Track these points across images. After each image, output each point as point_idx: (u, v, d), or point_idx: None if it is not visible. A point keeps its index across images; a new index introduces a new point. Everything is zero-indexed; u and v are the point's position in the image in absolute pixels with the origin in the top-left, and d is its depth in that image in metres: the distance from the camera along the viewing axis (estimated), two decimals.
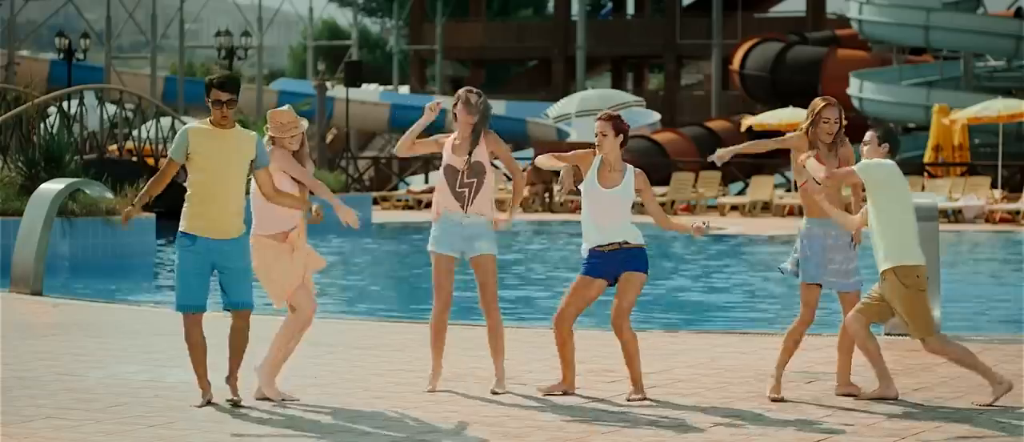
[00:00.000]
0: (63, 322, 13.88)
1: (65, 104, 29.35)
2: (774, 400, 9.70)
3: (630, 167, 9.88)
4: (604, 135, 9.83)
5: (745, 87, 56.96)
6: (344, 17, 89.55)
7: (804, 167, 9.82)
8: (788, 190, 38.57)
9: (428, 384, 10.03)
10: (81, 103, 30.78)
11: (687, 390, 10.12)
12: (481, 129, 10.05)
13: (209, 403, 9.28)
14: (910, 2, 49.94)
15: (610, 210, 9.79)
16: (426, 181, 46.20)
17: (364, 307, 17.91)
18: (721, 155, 10.08)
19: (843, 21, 61.16)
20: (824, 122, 9.86)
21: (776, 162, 44.46)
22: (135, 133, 33.68)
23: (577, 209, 10.11)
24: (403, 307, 18.33)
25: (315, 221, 9.55)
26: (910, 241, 9.67)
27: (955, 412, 9.37)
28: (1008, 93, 45.57)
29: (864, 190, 9.84)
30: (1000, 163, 38.20)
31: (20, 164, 23.47)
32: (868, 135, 9.91)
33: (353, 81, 47.57)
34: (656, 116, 55.73)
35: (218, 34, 52.00)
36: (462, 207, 9.97)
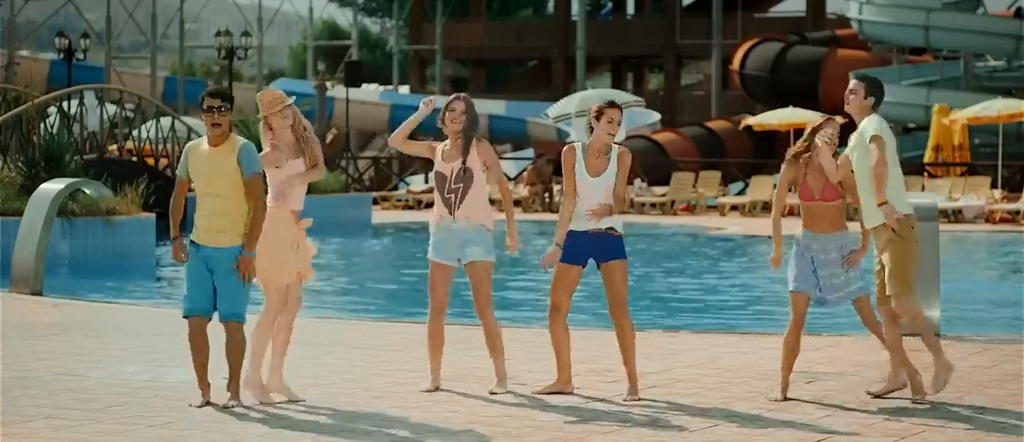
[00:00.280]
0: (63, 322, 13.88)
1: (65, 104, 29.34)
2: (774, 401, 9.70)
3: (614, 148, 9.89)
4: (619, 124, 9.88)
5: (745, 87, 56.96)
6: (344, 17, 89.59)
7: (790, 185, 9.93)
8: (788, 190, 38.51)
9: (428, 385, 10.03)
10: (81, 103, 30.77)
11: (687, 390, 10.12)
12: (471, 135, 10.05)
13: (207, 404, 9.29)
14: (910, 2, 49.93)
15: (600, 198, 9.80)
16: (426, 181, 46.16)
17: (364, 307, 17.90)
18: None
19: (843, 21, 61.15)
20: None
21: (776, 162, 44.48)
22: (135, 133, 33.66)
23: None
24: (403, 307, 18.33)
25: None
26: (902, 192, 9.89)
27: (955, 412, 9.37)
28: (1008, 93, 45.55)
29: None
30: (1000, 163, 38.19)
31: (20, 164, 23.46)
32: (854, 84, 9.89)
33: (353, 81, 47.57)
34: (656, 116, 55.70)
35: (218, 34, 51.99)
36: (450, 212, 9.99)
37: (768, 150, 49.47)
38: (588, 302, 15.23)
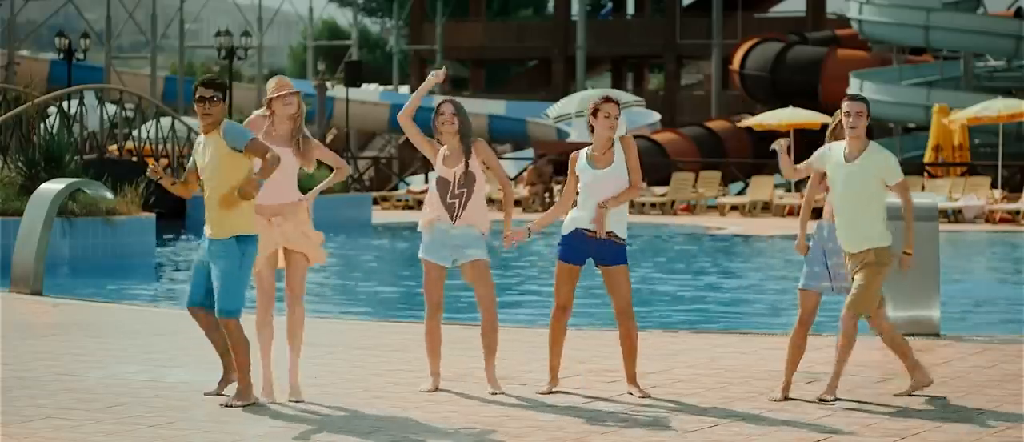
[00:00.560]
0: (63, 322, 13.88)
1: (65, 104, 29.35)
2: (774, 400, 9.70)
3: (617, 138, 9.90)
4: (617, 118, 9.87)
5: (745, 87, 56.96)
6: (344, 17, 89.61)
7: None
8: (788, 190, 38.57)
9: (428, 386, 10.03)
10: (81, 103, 30.77)
11: (687, 390, 10.12)
12: (469, 138, 10.03)
13: (228, 383, 9.49)
14: (910, 2, 49.94)
15: (606, 190, 9.80)
16: (426, 181, 46.19)
17: (364, 307, 17.91)
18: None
19: (843, 21, 61.16)
20: (845, 115, 9.92)
21: (776, 162, 44.46)
22: (135, 133, 33.67)
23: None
24: (403, 307, 18.33)
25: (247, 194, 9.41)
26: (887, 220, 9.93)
27: (955, 412, 9.37)
28: (1008, 93, 45.56)
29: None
30: (1000, 163, 38.19)
31: (20, 164, 23.46)
32: (861, 106, 9.88)
33: (353, 81, 47.60)
34: (656, 116, 55.79)
35: (218, 34, 52.01)
36: (451, 217, 9.98)
37: (768, 150, 49.42)
38: (588, 302, 15.22)
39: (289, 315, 9.78)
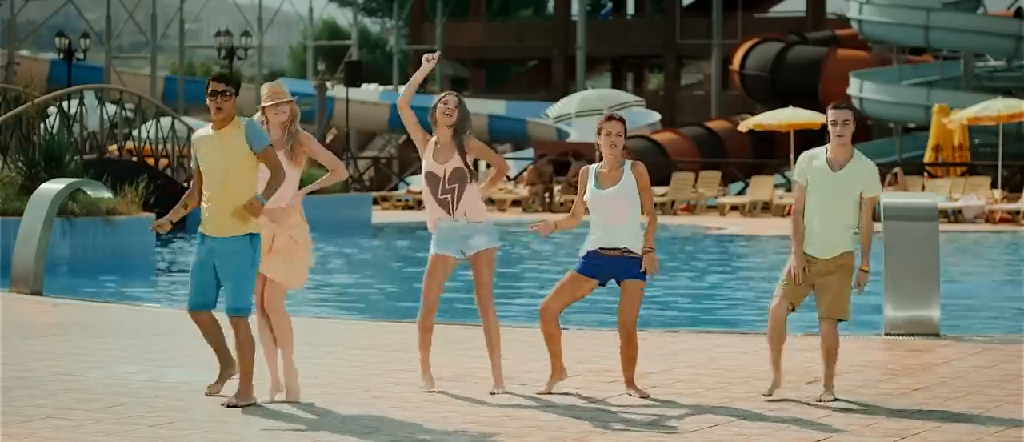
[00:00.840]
0: (63, 322, 13.88)
1: (65, 104, 29.34)
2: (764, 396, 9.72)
3: (627, 162, 9.90)
4: (619, 135, 9.83)
5: (745, 87, 56.96)
6: (344, 17, 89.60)
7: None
8: (788, 190, 38.57)
9: (425, 385, 10.03)
10: (81, 103, 30.76)
11: (687, 390, 10.12)
12: (462, 135, 10.02)
13: (229, 377, 9.42)
14: (910, 2, 49.94)
15: (617, 209, 9.80)
16: None
17: (364, 307, 17.90)
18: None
19: (843, 21, 61.16)
20: (831, 124, 9.90)
21: (776, 162, 44.48)
22: (135, 133, 33.66)
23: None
24: (402, 307, 18.32)
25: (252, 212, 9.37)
26: None
27: (955, 412, 9.37)
28: (1008, 93, 45.55)
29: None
30: (1000, 163, 38.19)
31: (20, 164, 23.46)
32: (848, 115, 9.85)
33: (353, 81, 47.59)
34: (656, 116, 55.80)
35: (218, 34, 52.04)
36: (449, 212, 9.99)
37: (768, 150, 49.48)
38: (589, 302, 15.20)
39: (274, 326, 9.75)
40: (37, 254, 16.49)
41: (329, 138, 52.48)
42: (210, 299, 9.39)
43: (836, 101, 10.02)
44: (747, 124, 41.54)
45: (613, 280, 9.89)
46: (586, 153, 42.08)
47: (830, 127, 9.81)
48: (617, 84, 70.60)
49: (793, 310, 9.80)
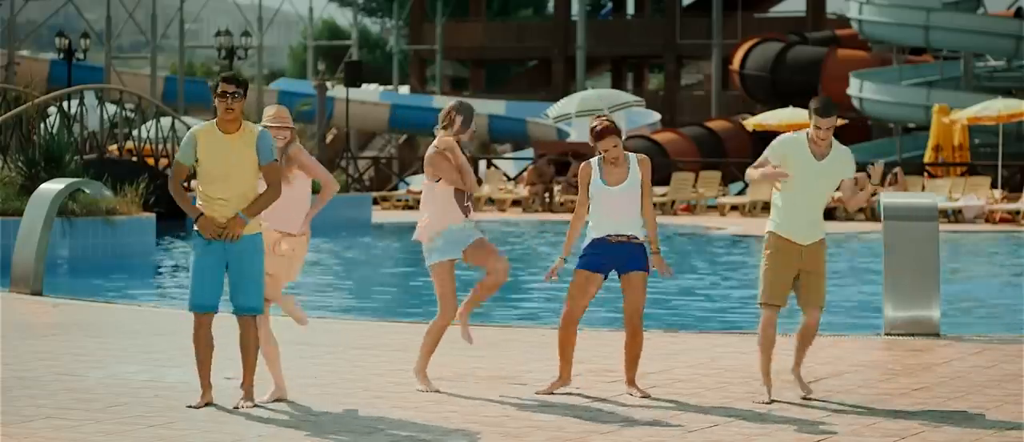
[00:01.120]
0: (63, 322, 13.88)
1: (65, 104, 29.35)
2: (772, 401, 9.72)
3: (632, 156, 9.93)
4: (616, 147, 9.83)
5: (745, 87, 56.96)
6: (344, 17, 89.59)
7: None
8: None
9: (424, 386, 10.04)
10: (81, 103, 30.78)
11: (687, 390, 10.12)
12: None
13: (207, 405, 9.25)
14: (910, 2, 49.94)
15: (622, 206, 9.82)
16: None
17: (364, 307, 17.90)
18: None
19: (843, 21, 61.16)
20: (814, 128, 9.90)
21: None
22: (135, 133, 33.67)
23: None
24: (403, 307, 18.33)
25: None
26: None
27: (955, 412, 9.37)
28: (1008, 93, 45.57)
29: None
30: (1000, 163, 38.20)
31: (20, 164, 23.46)
32: (832, 123, 9.87)
33: (353, 81, 47.57)
34: (656, 116, 55.79)
35: (218, 34, 51.99)
36: (466, 215, 10.10)
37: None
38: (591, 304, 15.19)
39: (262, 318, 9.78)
40: (37, 254, 16.49)
41: (329, 138, 52.46)
42: (217, 300, 9.27)
43: (821, 105, 9.94)
44: (747, 124, 41.55)
45: (614, 272, 9.86)
46: (586, 153, 42.07)
47: (814, 132, 9.81)
48: (617, 84, 70.59)
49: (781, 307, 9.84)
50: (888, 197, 13.46)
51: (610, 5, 78.44)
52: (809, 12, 63.92)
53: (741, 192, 41.79)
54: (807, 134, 9.87)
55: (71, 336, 12.76)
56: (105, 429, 8.61)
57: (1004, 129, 39.43)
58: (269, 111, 9.76)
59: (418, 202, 40.44)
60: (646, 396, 9.78)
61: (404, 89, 69.38)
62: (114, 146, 33.06)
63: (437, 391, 9.95)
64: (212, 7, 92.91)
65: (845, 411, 9.36)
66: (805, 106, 44.78)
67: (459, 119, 10.12)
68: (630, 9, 76.03)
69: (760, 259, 9.94)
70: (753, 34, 59.53)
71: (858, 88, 50.20)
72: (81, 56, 53.34)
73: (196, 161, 9.21)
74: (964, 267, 24.49)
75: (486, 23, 71.11)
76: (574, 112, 38.25)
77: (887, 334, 12.91)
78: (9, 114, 26.75)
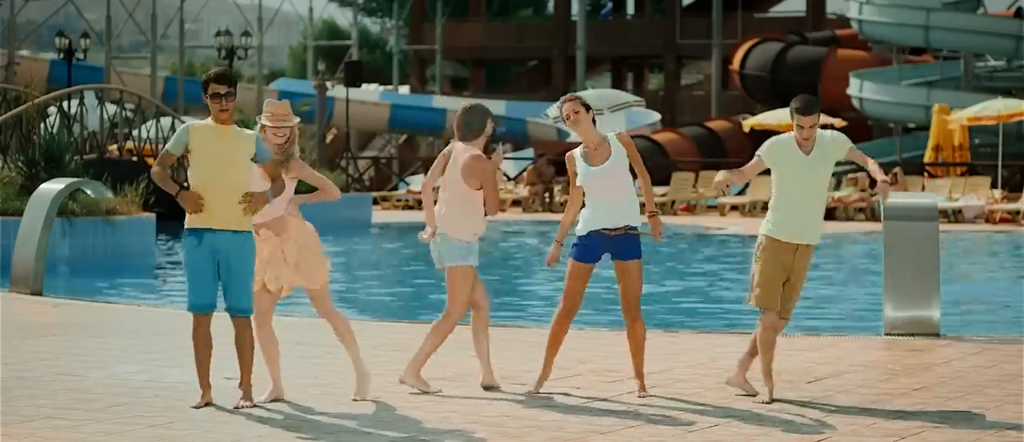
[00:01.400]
0: (63, 322, 13.88)
1: (65, 104, 29.36)
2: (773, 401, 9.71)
3: (611, 136, 9.91)
4: (576, 112, 9.83)
5: (745, 87, 56.97)
6: (344, 17, 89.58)
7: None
8: None
9: (420, 386, 10.04)
10: (81, 103, 30.79)
11: (687, 390, 10.12)
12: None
13: (207, 405, 9.25)
14: (910, 2, 49.95)
15: (615, 184, 9.80)
16: None
17: (364, 307, 17.90)
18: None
19: (843, 21, 61.17)
20: (797, 128, 9.89)
21: None
22: (135, 133, 33.69)
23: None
24: (403, 307, 18.33)
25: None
26: None
27: (955, 412, 9.37)
28: (1008, 93, 45.58)
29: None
30: (1000, 163, 38.20)
31: (20, 164, 23.47)
32: (814, 120, 9.85)
33: (353, 81, 47.60)
34: (656, 116, 55.79)
35: (218, 34, 52.01)
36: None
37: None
38: (587, 301, 15.20)
39: (335, 329, 9.83)
40: (37, 254, 16.49)
41: (329, 138, 52.44)
42: (214, 299, 9.25)
43: (803, 103, 9.91)
44: (747, 124, 41.56)
45: (607, 255, 9.86)
46: None
47: (797, 130, 9.80)
48: (617, 84, 70.59)
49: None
50: (888, 197, 13.44)
51: (610, 5, 78.44)
52: (809, 12, 63.93)
53: (741, 192, 41.78)
54: (794, 136, 9.85)
55: (71, 336, 12.76)
56: (105, 429, 8.61)
57: (1004, 129, 39.43)
58: (268, 108, 9.66)
59: (419, 202, 40.54)
60: (647, 394, 9.77)
61: (404, 89, 69.37)
62: (114, 146, 33.08)
63: (438, 392, 9.94)
64: (212, 7, 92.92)
65: (845, 411, 9.36)
66: None
67: (491, 123, 10.22)
68: (630, 9, 76.04)
69: (751, 261, 9.91)
70: (753, 34, 59.54)
71: (858, 88, 50.21)
72: (81, 56, 53.35)
73: (186, 152, 9.18)
74: (964, 267, 24.49)
75: (486, 23, 71.12)
76: None
77: (887, 334, 12.90)
78: (9, 114, 26.75)
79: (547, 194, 40.26)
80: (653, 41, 66.40)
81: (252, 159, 9.18)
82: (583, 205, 9.97)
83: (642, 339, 9.90)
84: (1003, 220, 34.49)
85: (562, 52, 66.50)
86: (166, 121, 33.22)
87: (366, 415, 9.15)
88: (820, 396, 9.88)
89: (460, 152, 10.03)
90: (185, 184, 9.36)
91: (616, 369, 10.55)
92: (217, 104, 9.15)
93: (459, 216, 9.95)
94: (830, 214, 32.49)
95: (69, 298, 16.30)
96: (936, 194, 33.57)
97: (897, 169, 35.57)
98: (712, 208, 39.22)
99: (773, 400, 9.64)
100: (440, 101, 59.49)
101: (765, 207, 37.67)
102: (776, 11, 71.33)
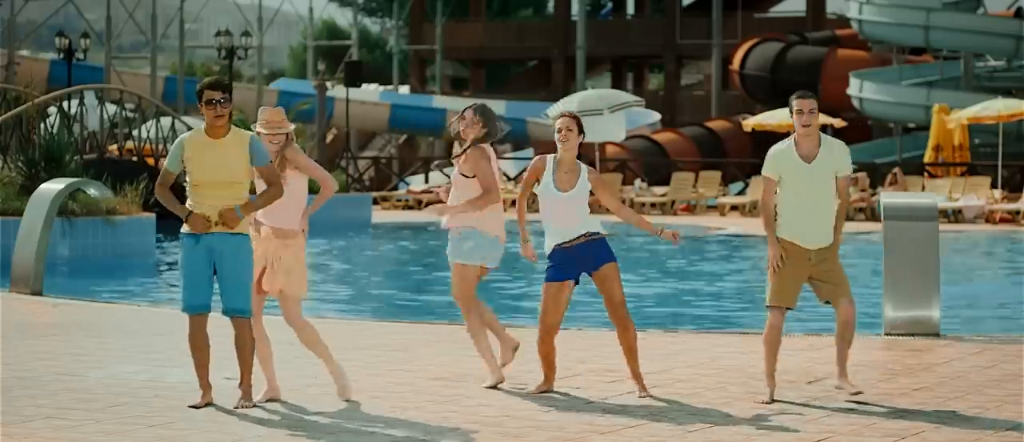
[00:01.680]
0: (63, 322, 13.88)
1: (65, 104, 29.37)
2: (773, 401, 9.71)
3: (583, 167, 9.89)
4: (570, 130, 9.81)
5: (745, 87, 56.97)
6: (344, 17, 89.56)
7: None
8: None
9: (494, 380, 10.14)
10: (81, 103, 30.80)
11: (687, 390, 10.12)
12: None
13: (207, 405, 9.25)
14: (910, 2, 49.95)
15: (569, 213, 9.79)
16: (426, 181, 46.20)
17: (364, 307, 17.90)
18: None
19: (843, 21, 61.17)
20: (796, 113, 9.82)
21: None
22: (135, 133, 33.70)
23: None
24: (403, 307, 18.33)
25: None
26: None
27: (955, 412, 9.37)
28: (1008, 93, 45.58)
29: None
30: (1000, 163, 38.20)
31: (20, 164, 23.47)
32: (812, 104, 9.79)
33: (353, 81, 47.60)
34: (656, 116, 55.78)
35: (218, 34, 51.98)
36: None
37: (768, 150, 49.41)
38: (586, 301, 15.21)
39: (303, 338, 9.81)
40: (37, 254, 16.49)
41: (329, 138, 52.45)
42: (208, 300, 9.26)
43: (800, 91, 9.90)
44: (747, 124, 41.57)
45: (585, 274, 9.83)
46: (586, 153, 41.97)
47: (796, 116, 9.72)
48: (617, 84, 70.59)
49: (791, 309, 9.80)
50: (888, 197, 13.46)
51: (610, 5, 78.43)
52: (809, 12, 63.92)
53: (741, 192, 41.79)
54: (793, 138, 9.80)
55: (71, 336, 12.76)
56: (105, 429, 8.61)
57: (1004, 129, 39.43)
58: (263, 115, 9.67)
59: (418, 202, 40.56)
60: (646, 395, 9.76)
61: (404, 89, 69.38)
62: (114, 146, 33.09)
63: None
64: (212, 7, 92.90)
65: (845, 411, 9.36)
66: None
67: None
68: (630, 9, 76.03)
69: (767, 261, 9.88)
70: (753, 34, 59.54)
71: (858, 88, 50.21)
72: (81, 56, 53.34)
73: (184, 168, 9.22)
74: (964, 267, 24.50)
75: (486, 23, 71.11)
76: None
77: (887, 334, 12.90)
78: (9, 114, 26.75)
79: None
80: (653, 41, 66.40)
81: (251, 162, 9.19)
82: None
83: (634, 341, 9.87)
84: (1003, 220, 34.49)
85: (562, 52, 66.50)
86: (166, 121, 33.22)
87: (366, 415, 9.15)
88: (820, 396, 9.88)
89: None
90: (183, 182, 9.37)
91: (616, 369, 10.55)
92: (211, 111, 9.17)
93: (485, 212, 10.27)
94: None
95: (69, 298, 16.30)
96: (936, 194, 33.58)
97: (897, 169, 35.56)
98: (712, 208, 39.23)
99: (773, 400, 9.64)
100: (440, 101, 59.49)
101: None
102: (776, 11, 71.33)
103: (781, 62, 55.47)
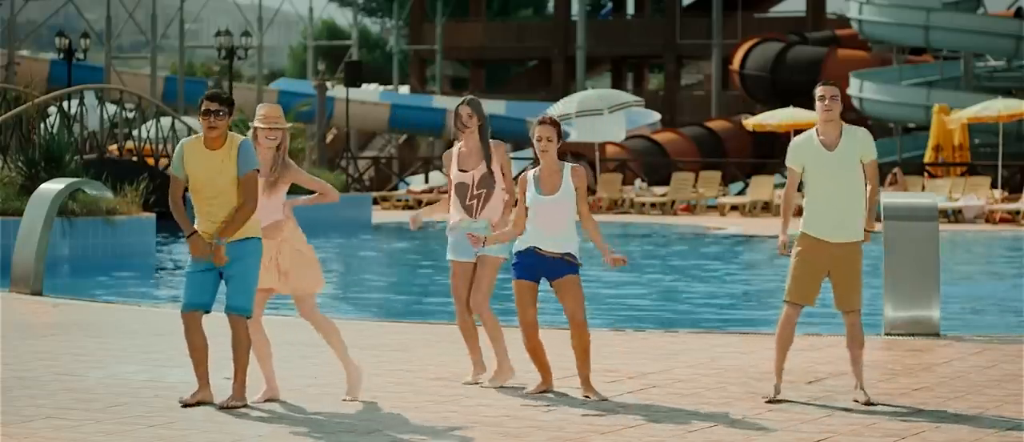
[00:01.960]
0: (63, 322, 13.88)
1: (65, 104, 29.36)
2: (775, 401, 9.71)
3: (567, 165, 9.87)
4: (550, 140, 9.77)
5: (745, 87, 56.98)
6: (344, 17, 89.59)
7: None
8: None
9: (472, 377, 10.18)
10: (81, 103, 30.80)
11: (687, 390, 10.12)
12: (487, 140, 10.16)
13: (201, 404, 9.24)
14: (910, 2, 49.97)
15: (555, 216, 9.74)
16: (426, 181, 46.21)
17: (364, 307, 17.90)
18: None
19: (843, 21, 61.19)
20: (819, 99, 9.81)
21: (776, 162, 44.44)
22: (135, 133, 33.70)
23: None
24: (403, 307, 18.33)
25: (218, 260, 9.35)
26: None
27: (955, 412, 9.37)
28: (1008, 93, 45.59)
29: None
30: (1000, 163, 38.21)
31: (20, 164, 23.47)
32: (835, 91, 9.74)
33: (353, 81, 47.61)
34: (656, 116, 55.79)
35: (218, 34, 52.00)
36: (471, 215, 10.22)
37: (768, 150, 49.49)
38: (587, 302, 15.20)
39: (322, 333, 9.87)
40: (37, 254, 16.49)
41: (329, 138, 52.44)
42: (207, 299, 9.26)
43: (824, 79, 9.95)
44: (748, 124, 41.59)
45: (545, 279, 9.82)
46: (586, 153, 42.09)
47: (818, 102, 9.73)
48: (617, 84, 70.60)
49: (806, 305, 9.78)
50: (888, 197, 13.46)
51: (610, 5, 78.44)
52: (809, 12, 63.94)
53: (741, 192, 41.79)
54: (816, 128, 9.82)
55: (71, 336, 12.76)
56: (105, 429, 8.61)
57: (1004, 129, 39.44)
58: (260, 110, 9.67)
59: (418, 202, 40.56)
60: (603, 399, 9.70)
61: (404, 89, 69.38)
62: (114, 146, 33.08)
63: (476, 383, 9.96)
64: (212, 7, 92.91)
65: (845, 411, 9.36)
66: (805, 106, 44.69)
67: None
68: (630, 9, 76.05)
69: (789, 259, 9.87)
70: (753, 34, 59.55)
71: (858, 88, 50.21)
72: (81, 56, 53.35)
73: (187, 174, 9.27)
74: (964, 267, 24.49)
75: (486, 23, 71.12)
76: (574, 112, 38.23)
77: (887, 334, 12.90)
78: (9, 114, 26.75)
79: None
80: (653, 41, 66.41)
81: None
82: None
83: (586, 344, 9.77)
84: (1003, 220, 34.49)
85: (562, 52, 66.51)
86: (166, 121, 33.22)
87: (366, 415, 9.15)
88: (820, 396, 9.87)
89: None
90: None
91: (616, 369, 10.55)
92: (207, 120, 9.20)
93: (499, 213, 10.32)
94: None
95: (69, 298, 16.30)
96: (936, 194, 33.59)
97: (897, 169, 35.57)
98: (712, 208, 39.24)
99: (779, 395, 9.64)
100: (440, 101, 59.48)
101: (765, 207, 37.74)
102: (776, 11, 71.35)
103: (781, 62, 55.48)
